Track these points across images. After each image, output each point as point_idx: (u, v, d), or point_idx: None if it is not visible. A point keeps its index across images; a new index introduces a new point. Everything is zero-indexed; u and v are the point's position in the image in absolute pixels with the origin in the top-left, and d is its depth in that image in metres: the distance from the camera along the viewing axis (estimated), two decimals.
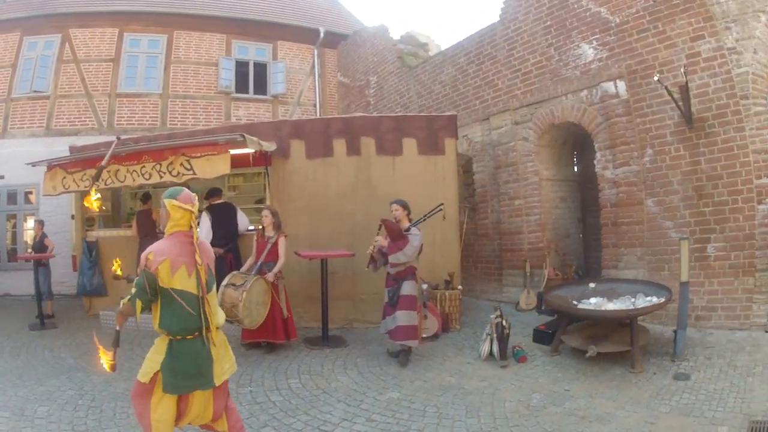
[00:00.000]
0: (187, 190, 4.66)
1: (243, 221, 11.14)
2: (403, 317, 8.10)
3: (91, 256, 12.96)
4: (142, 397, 4.44)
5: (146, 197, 12.84)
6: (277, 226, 9.24)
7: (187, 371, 4.36)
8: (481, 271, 13.14)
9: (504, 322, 8.02)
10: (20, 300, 16.16)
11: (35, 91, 18.02)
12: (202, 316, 4.37)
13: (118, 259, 4.85)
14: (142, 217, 12.43)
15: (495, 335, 8.00)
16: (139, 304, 4.27)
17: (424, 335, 8.83)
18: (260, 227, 9.50)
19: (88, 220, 14.16)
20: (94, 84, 18.19)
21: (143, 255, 4.32)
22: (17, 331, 12.00)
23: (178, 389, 4.38)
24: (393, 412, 6.45)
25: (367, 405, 6.73)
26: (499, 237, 12.71)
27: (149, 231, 12.11)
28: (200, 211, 11.61)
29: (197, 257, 4.38)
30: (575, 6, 11.00)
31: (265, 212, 9.36)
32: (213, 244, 9.98)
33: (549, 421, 5.80)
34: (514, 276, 12.36)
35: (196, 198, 4.64)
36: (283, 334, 9.23)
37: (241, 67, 19.73)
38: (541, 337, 8.63)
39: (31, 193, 17.89)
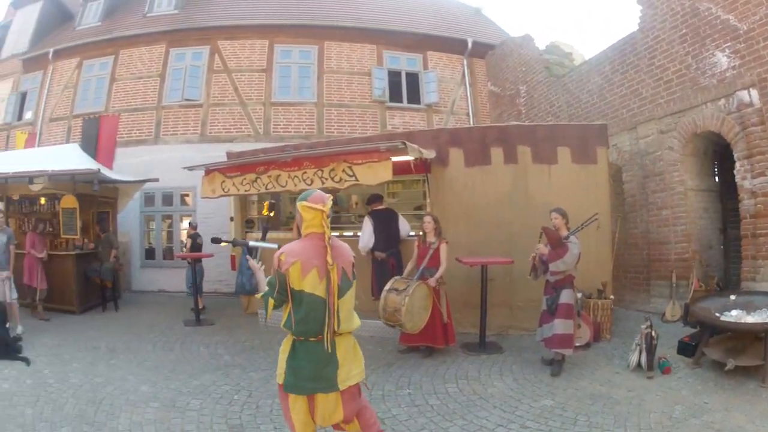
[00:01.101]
0: (319, 191, 4.79)
1: (404, 227, 11.52)
2: (560, 325, 8.37)
3: (253, 256, 13.57)
4: (283, 397, 4.70)
5: None
6: (439, 233, 9.65)
7: (306, 372, 4.50)
8: (631, 281, 13.20)
9: (653, 333, 8.18)
10: (174, 296, 17.49)
11: (187, 100, 19.66)
12: (328, 320, 4.49)
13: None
14: None
15: (644, 345, 8.17)
16: (271, 302, 4.55)
17: (577, 344, 8.97)
18: (421, 233, 9.96)
19: (247, 222, 15.14)
20: (248, 93, 19.56)
21: (276, 255, 4.52)
22: (171, 327, 12.95)
23: (297, 389, 4.55)
24: (546, 419, 6.70)
25: (522, 412, 7.02)
26: (648, 247, 12.79)
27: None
28: (362, 216, 12.59)
29: (328, 258, 4.48)
30: (706, 14, 11.05)
31: (427, 218, 9.79)
32: (374, 248, 10.75)
33: None
34: (660, 287, 12.40)
35: (330, 198, 4.74)
36: (443, 339, 9.62)
37: (393, 76, 20.49)
38: (685, 348, 8.70)
39: (187, 195, 19.52)
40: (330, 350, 4.52)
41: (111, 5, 23.80)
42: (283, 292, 4.48)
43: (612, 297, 10.77)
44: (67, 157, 15.50)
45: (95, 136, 20.12)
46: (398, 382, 8.44)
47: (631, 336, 9.01)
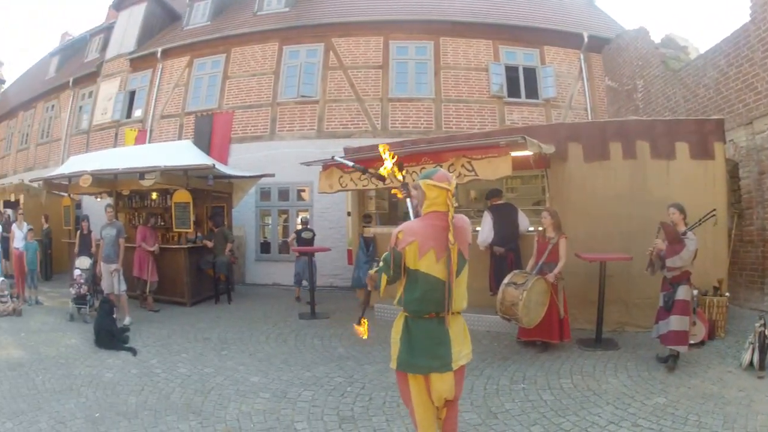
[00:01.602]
0: (442, 170, 4.91)
1: (524, 222, 11.59)
2: (676, 322, 8.33)
3: (368, 251, 14.16)
4: (402, 382, 4.86)
5: None
6: (558, 228, 9.71)
7: (420, 350, 4.62)
8: (746, 279, 12.85)
9: (767, 332, 8.02)
10: (288, 290, 17.83)
11: (303, 96, 20.18)
12: (445, 300, 4.55)
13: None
14: None
15: (757, 344, 8.04)
16: (384, 278, 4.67)
17: (692, 341, 8.79)
18: (540, 228, 10.07)
19: (365, 217, 15.40)
20: (364, 89, 19.96)
21: (394, 232, 4.63)
22: (285, 319, 13.28)
23: (413, 368, 4.69)
24: (657, 417, 6.67)
25: (634, 409, 6.99)
26: (763, 244, 12.43)
27: None
28: (480, 211, 12.70)
29: (450, 236, 4.52)
30: None
31: (545, 214, 9.88)
32: (493, 243, 10.90)
33: None
34: None
35: (454, 178, 4.83)
36: (558, 334, 9.68)
37: (510, 71, 20.52)
38: None
39: (303, 190, 20.00)
40: (444, 328, 4.63)
41: (219, 5, 24.91)
42: (397, 269, 4.62)
43: (727, 294, 10.58)
44: (181, 153, 16.06)
45: (208, 133, 21.06)
46: (513, 377, 8.52)
47: (744, 335, 8.88)
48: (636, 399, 7.34)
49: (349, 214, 15.55)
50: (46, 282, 18.04)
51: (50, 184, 17.77)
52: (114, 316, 11.34)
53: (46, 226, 19.15)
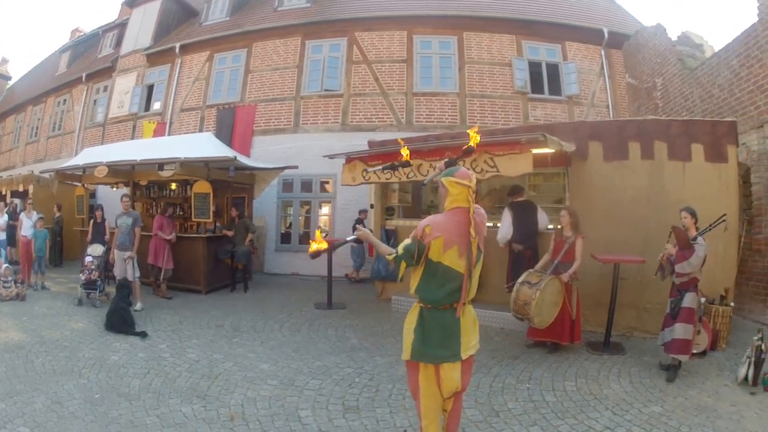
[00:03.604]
0: (464, 168, 5.11)
1: (543, 219, 11.70)
2: (680, 330, 8.34)
3: (390, 243, 13.96)
4: (413, 373, 5.12)
5: None
6: (575, 227, 9.71)
7: (435, 340, 4.85)
8: (751, 289, 12.61)
9: (763, 346, 8.01)
10: (306, 280, 18.31)
11: (326, 90, 20.42)
12: (462, 291, 4.83)
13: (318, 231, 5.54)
14: None
15: (753, 359, 8.02)
16: (403, 265, 4.89)
17: (694, 351, 8.82)
18: (559, 227, 10.08)
19: (387, 210, 15.60)
20: (389, 83, 20.16)
21: (421, 224, 4.82)
22: (300, 309, 13.43)
23: (425, 357, 4.92)
24: (651, 426, 6.74)
25: (631, 416, 7.06)
26: None
27: None
28: (502, 207, 12.73)
29: (471, 230, 4.75)
30: None
31: (563, 213, 9.89)
32: (513, 240, 11.02)
33: None
34: None
35: (474, 175, 5.02)
36: (569, 336, 9.73)
37: (533, 67, 20.63)
38: None
39: (327, 182, 20.28)
40: (458, 319, 4.87)
41: (238, 0, 25.34)
42: (419, 260, 4.83)
43: (732, 304, 10.49)
44: (202, 145, 16.30)
45: (230, 125, 21.43)
46: (519, 376, 8.62)
47: (745, 347, 8.76)
48: (634, 406, 7.43)
49: (372, 206, 15.59)
50: (56, 268, 18.32)
51: (63, 174, 18.10)
52: (130, 299, 11.56)
53: (58, 214, 19.52)
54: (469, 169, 10.30)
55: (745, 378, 8.03)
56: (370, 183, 13.29)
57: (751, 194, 12.76)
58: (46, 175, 19.16)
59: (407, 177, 11.97)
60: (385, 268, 14.26)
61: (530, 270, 9.66)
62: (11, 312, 11.82)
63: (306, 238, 20.21)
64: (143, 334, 10.34)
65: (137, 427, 6.44)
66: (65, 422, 6.39)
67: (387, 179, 12.59)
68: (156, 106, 24.53)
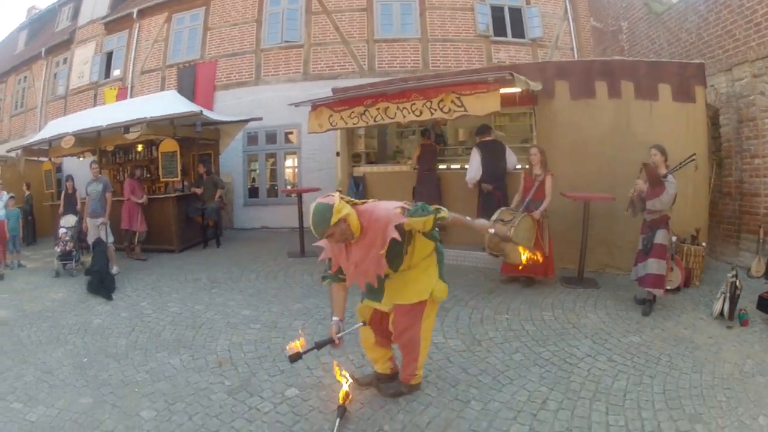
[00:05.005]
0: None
1: (511, 159, 11.76)
2: (653, 265, 8.55)
3: (358, 190, 14.40)
4: (416, 314, 5.58)
5: (425, 133, 13.78)
6: (544, 165, 9.93)
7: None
8: (722, 232, 12.82)
9: (738, 283, 8.16)
10: (276, 232, 18.44)
11: (287, 42, 20.27)
12: None
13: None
14: (426, 150, 13.29)
15: (728, 294, 8.16)
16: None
17: (668, 287, 9.06)
18: (527, 166, 10.22)
19: (354, 157, 15.62)
20: (350, 31, 19.99)
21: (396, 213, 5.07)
22: (275, 259, 13.61)
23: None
24: (632, 355, 6.99)
25: (611, 345, 7.32)
26: (740, 198, 12.34)
27: (432, 165, 13.16)
28: (468, 149, 12.80)
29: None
30: None
31: (534, 150, 10.05)
32: (482, 180, 11.15)
33: (753, 391, 5.99)
34: (750, 241, 11.99)
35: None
36: (543, 270, 9.98)
37: (496, 11, 20.43)
38: (764, 305, 8.47)
39: (291, 133, 20.23)
40: None
41: None
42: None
43: (704, 244, 10.75)
44: (166, 103, 16.19)
45: (192, 83, 21.23)
46: (497, 308, 8.92)
47: (718, 285, 9.01)
48: (612, 336, 7.67)
49: (338, 154, 15.53)
50: (29, 247, 18.10)
51: (29, 151, 17.85)
52: (107, 257, 11.74)
53: (27, 193, 19.18)
54: (435, 109, 10.82)
55: (721, 313, 8.23)
56: (337, 129, 13.17)
57: (720, 136, 12.91)
58: (12, 154, 18.95)
59: (374, 121, 11.97)
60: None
61: (503, 208, 9.63)
62: None
63: (273, 192, 20.35)
64: (108, 297, 10.40)
65: (128, 384, 6.52)
66: (57, 391, 6.43)
67: (354, 124, 12.54)
68: (116, 73, 24.18)
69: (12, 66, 30.10)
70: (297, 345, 5.29)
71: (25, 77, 29.03)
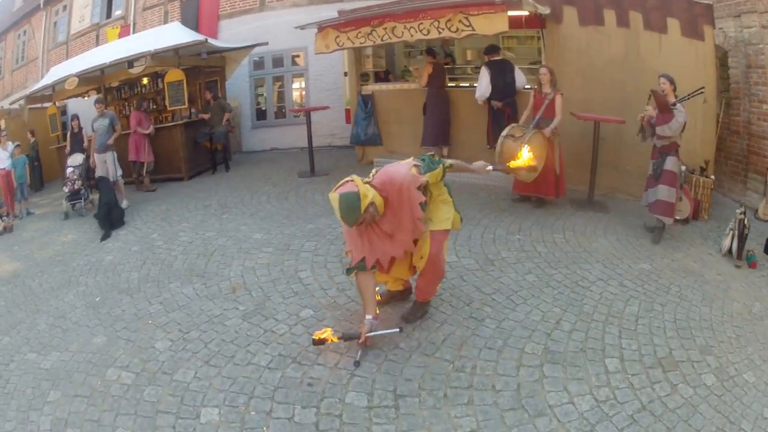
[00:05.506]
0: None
1: (520, 78, 11.79)
2: (663, 191, 8.55)
3: (367, 108, 14.42)
4: (443, 240, 5.81)
5: (430, 52, 13.39)
6: (554, 84, 9.83)
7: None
8: (730, 169, 12.68)
9: (746, 221, 8.17)
10: (286, 153, 18.33)
11: None
12: None
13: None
14: (437, 69, 12.87)
15: (736, 231, 8.17)
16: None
17: (677, 217, 9.02)
18: (536, 86, 10.13)
19: (362, 76, 15.45)
20: None
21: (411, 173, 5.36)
22: (285, 179, 13.60)
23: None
24: (642, 282, 7.08)
25: (621, 270, 7.41)
26: (748, 138, 12.13)
27: (442, 83, 12.94)
28: (477, 68, 12.60)
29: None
30: None
31: (543, 70, 9.98)
32: (491, 97, 11.18)
33: (763, 333, 6.07)
34: (757, 181, 11.74)
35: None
36: (554, 190, 10.01)
37: None
38: None
39: (297, 56, 19.96)
40: None
41: None
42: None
43: (713, 177, 10.67)
44: (170, 35, 16.00)
45: (195, 14, 20.81)
46: (509, 228, 8.99)
47: (726, 222, 8.98)
48: (623, 261, 7.74)
49: (345, 74, 15.60)
50: (37, 193, 17.98)
51: (33, 98, 17.60)
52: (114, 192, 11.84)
53: (33, 139, 18.93)
54: (443, 28, 10.86)
55: (729, 251, 8.25)
56: (344, 49, 13.23)
57: (729, 77, 12.74)
58: (16, 106, 18.62)
59: (381, 40, 12.00)
60: (364, 132, 14.50)
61: (513, 125, 9.79)
62: (1, 246, 11.46)
63: (281, 113, 20.29)
64: (107, 235, 10.41)
65: (141, 318, 6.64)
66: (70, 334, 6.53)
67: (361, 44, 12.57)
68: (118, 12, 23.64)
69: (12, 22, 29.43)
70: (324, 334, 5.43)
71: (25, 31, 28.46)
